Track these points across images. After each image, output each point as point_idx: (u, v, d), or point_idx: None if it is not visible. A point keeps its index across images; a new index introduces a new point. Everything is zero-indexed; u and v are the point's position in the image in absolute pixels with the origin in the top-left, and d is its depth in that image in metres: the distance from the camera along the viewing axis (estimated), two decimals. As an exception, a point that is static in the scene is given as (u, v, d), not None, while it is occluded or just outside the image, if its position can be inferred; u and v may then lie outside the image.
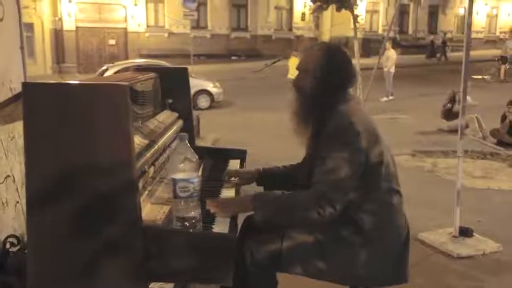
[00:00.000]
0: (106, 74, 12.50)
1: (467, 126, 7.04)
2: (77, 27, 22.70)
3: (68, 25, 22.51)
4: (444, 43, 27.52)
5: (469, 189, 5.30)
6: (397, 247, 2.15)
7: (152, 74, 2.76)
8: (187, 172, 1.75)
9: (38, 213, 1.64)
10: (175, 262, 1.69)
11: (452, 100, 9.32)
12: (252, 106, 12.95)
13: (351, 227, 2.08)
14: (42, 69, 21.72)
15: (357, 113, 2.08)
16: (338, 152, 1.98)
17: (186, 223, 1.74)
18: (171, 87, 2.93)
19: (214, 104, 13.63)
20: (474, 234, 4.04)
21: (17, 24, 3.55)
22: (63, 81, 1.63)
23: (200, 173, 2.77)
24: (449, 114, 9.26)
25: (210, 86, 13.77)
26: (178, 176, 1.74)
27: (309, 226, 2.07)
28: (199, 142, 8.30)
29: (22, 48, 3.58)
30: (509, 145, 7.88)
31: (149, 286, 1.77)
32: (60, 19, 22.34)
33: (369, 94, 12.20)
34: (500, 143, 8.05)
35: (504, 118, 8.44)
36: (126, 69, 11.62)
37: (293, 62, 12.36)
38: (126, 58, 21.06)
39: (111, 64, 13.91)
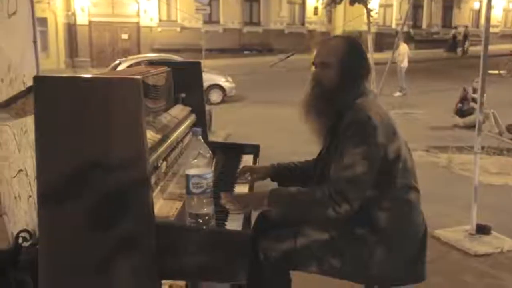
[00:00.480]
0: (119, 68, 12.51)
1: (483, 122, 6.92)
2: (90, 22, 22.77)
3: (81, 19, 22.59)
4: (465, 37, 27.16)
5: (485, 185, 5.21)
6: (414, 245, 2.09)
7: (165, 68, 2.73)
8: (200, 168, 1.71)
9: (50, 208, 1.62)
10: (188, 259, 1.66)
11: (464, 99, 9.21)
12: (265, 101, 12.91)
13: (367, 225, 2.02)
14: (56, 64, 21.86)
15: (375, 107, 2.02)
16: (355, 147, 1.92)
17: (199, 219, 1.70)
18: (184, 81, 2.90)
19: (226, 98, 13.59)
20: (492, 231, 3.96)
21: (30, 18, 3.53)
22: (75, 75, 1.60)
23: (212, 168, 2.75)
24: (462, 114, 9.17)
25: (222, 81, 13.73)
26: (191, 172, 1.70)
27: (325, 222, 2.02)
28: (210, 137, 8.32)
29: (35, 42, 3.56)
30: (525, 140, 7.76)
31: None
32: (74, 14, 22.43)
33: (382, 89, 12.09)
34: (516, 138, 7.93)
35: (520, 113, 8.33)
36: (138, 64, 11.63)
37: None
38: (139, 52, 21.10)
39: (123, 59, 13.93)
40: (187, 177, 1.71)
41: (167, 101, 2.74)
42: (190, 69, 3.02)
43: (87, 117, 1.57)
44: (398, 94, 13.72)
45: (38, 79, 1.58)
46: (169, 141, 2.21)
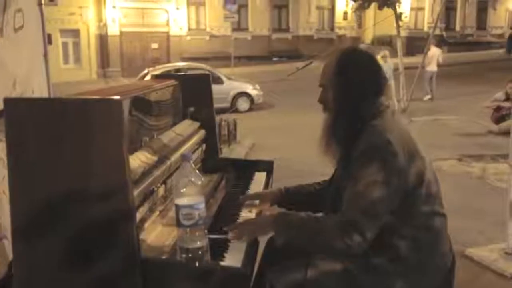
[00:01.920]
0: (147, 78, 12.51)
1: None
2: (121, 32, 23.01)
3: (113, 30, 22.85)
4: None
5: (522, 198, 4.84)
6: (440, 277, 1.85)
7: (171, 82, 2.58)
8: (191, 197, 1.52)
9: (24, 244, 1.46)
10: (178, 300, 1.48)
11: (509, 110, 8.64)
12: (291, 108, 12.69)
13: (386, 254, 1.79)
14: (88, 74, 22.21)
15: (394, 128, 1.78)
16: (372, 174, 1.69)
17: (190, 254, 1.51)
18: (193, 94, 2.73)
19: (253, 106, 13.48)
20: (529, 250, 3.64)
21: (40, 31, 3.44)
22: (49, 97, 1.44)
23: (223, 185, 2.57)
24: (500, 121, 8.68)
25: (249, 89, 13.65)
26: (181, 202, 1.52)
27: (335, 255, 1.81)
28: (235, 146, 8.19)
29: (45, 55, 3.47)
30: None
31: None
32: (105, 25, 22.72)
33: (413, 94, 11.76)
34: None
35: (560, 118, 7.88)
36: (166, 72, 11.56)
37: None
38: (168, 61, 21.16)
39: (151, 68, 13.94)
40: (177, 207, 1.53)
41: (173, 116, 2.58)
42: (199, 82, 2.84)
43: (63, 143, 1.41)
44: (427, 97, 13.35)
45: (9, 102, 1.42)
46: (168, 162, 2.04)
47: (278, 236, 1.83)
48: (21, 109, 1.41)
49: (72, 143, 1.41)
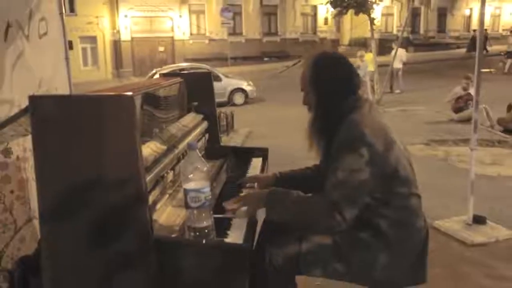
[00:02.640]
0: (155, 77, 12.36)
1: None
2: (132, 38, 22.73)
3: (125, 36, 22.56)
4: (486, 38, 26.34)
5: (480, 176, 4.78)
6: (417, 249, 1.81)
7: (177, 79, 2.51)
8: (198, 182, 1.46)
9: (50, 226, 1.40)
10: (188, 274, 1.43)
11: (466, 102, 8.60)
12: (281, 102, 12.57)
13: (369, 231, 1.75)
14: (104, 75, 21.99)
15: (370, 121, 1.72)
16: (350, 163, 1.64)
17: (197, 233, 1.46)
18: (197, 90, 2.66)
19: (248, 100, 13.37)
20: (488, 221, 3.63)
21: (62, 37, 3.34)
22: (69, 94, 1.37)
23: (224, 170, 2.52)
24: (460, 111, 8.67)
25: (244, 85, 13.52)
26: (189, 186, 1.46)
27: (320, 232, 1.77)
28: (233, 135, 8.12)
29: (66, 59, 3.38)
30: (515, 132, 7.30)
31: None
32: (118, 32, 22.42)
33: (385, 88, 11.72)
34: (506, 131, 7.47)
35: (510, 107, 7.85)
36: (172, 71, 11.42)
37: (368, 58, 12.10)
38: (174, 62, 20.92)
39: (159, 68, 13.79)
40: (185, 191, 1.47)
41: (180, 110, 2.52)
42: (202, 79, 2.77)
43: (82, 136, 1.35)
44: (397, 91, 13.31)
45: (33, 99, 1.36)
46: (176, 151, 1.97)
47: (270, 211, 1.78)
48: (44, 105, 1.35)
49: (90, 135, 1.35)
